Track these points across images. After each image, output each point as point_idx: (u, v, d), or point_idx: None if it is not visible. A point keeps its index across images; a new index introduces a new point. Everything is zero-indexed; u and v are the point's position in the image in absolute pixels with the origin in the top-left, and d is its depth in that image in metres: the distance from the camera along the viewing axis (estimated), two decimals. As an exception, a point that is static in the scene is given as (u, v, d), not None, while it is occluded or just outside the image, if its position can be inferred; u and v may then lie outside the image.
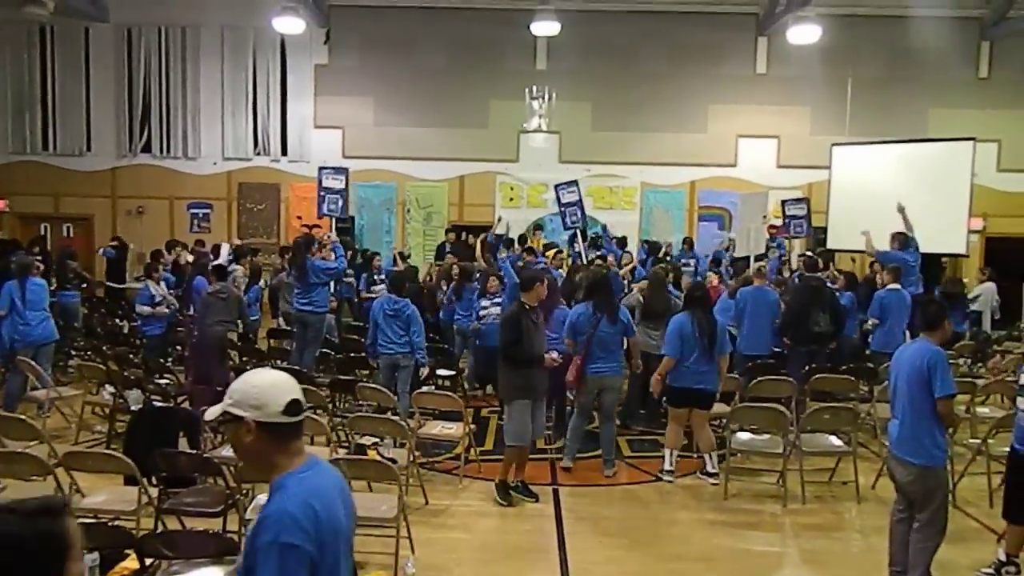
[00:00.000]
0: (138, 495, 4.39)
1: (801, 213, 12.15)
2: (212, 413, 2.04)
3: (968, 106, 14.03)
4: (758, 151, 14.68)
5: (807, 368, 7.40)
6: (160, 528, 4.40)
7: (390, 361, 7.04)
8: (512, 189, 14.94)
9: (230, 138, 14.92)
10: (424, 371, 7.22)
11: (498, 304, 8.19)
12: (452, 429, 6.38)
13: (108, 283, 12.95)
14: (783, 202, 12.52)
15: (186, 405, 6.78)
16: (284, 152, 14.96)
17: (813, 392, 7.11)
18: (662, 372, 6.31)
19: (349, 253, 10.81)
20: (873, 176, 12.07)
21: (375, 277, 10.61)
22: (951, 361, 5.25)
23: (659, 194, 14.92)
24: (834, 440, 6.21)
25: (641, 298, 7.71)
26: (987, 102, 14.14)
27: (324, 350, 8.70)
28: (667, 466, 6.32)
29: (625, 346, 6.51)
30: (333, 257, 8.83)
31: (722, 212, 14.69)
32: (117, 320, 10.91)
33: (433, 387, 7.39)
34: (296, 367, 7.62)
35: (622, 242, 12.93)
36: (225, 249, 11.19)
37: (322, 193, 10.51)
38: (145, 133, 14.99)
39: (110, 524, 4.05)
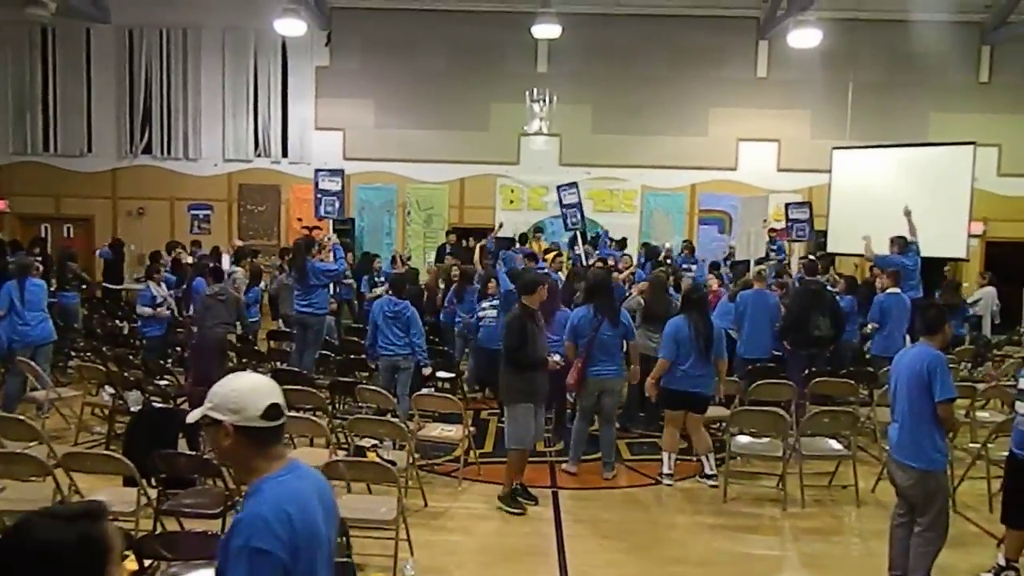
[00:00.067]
0: (137, 496, 4.39)
1: (804, 216, 12.17)
2: (193, 416, 2.05)
3: (969, 110, 14.04)
4: (759, 154, 14.70)
5: (807, 372, 7.40)
6: (159, 529, 4.39)
7: (390, 363, 7.04)
8: (512, 192, 14.95)
9: (231, 139, 14.94)
10: (427, 371, 7.22)
11: (495, 307, 8.21)
12: (452, 431, 6.37)
13: (105, 284, 12.94)
14: (787, 205, 12.54)
15: (186, 406, 6.76)
16: (285, 154, 14.97)
17: (813, 396, 7.10)
18: (656, 375, 6.31)
19: (349, 255, 10.82)
20: (874, 180, 12.08)
21: (376, 279, 10.63)
22: (951, 365, 5.25)
23: (659, 197, 14.93)
24: (834, 444, 6.21)
25: (642, 301, 7.71)
26: (988, 106, 14.15)
27: (324, 352, 8.69)
28: (666, 469, 6.31)
29: (624, 349, 6.51)
30: (333, 259, 8.84)
31: (722, 215, 14.67)
32: (117, 321, 10.91)
33: (433, 389, 7.38)
34: (296, 369, 7.63)
35: (622, 243, 12.95)
36: (226, 260, 11.14)
37: (319, 195, 10.50)
38: (146, 134, 15.01)
39: (109, 525, 4.04)
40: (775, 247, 12.30)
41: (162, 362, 8.46)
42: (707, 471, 6.28)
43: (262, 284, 10.34)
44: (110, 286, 12.93)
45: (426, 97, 14.70)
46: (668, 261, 11.60)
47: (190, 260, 11.34)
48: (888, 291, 8.10)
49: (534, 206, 14.87)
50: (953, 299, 9.29)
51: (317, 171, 10.75)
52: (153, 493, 4.54)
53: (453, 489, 6.06)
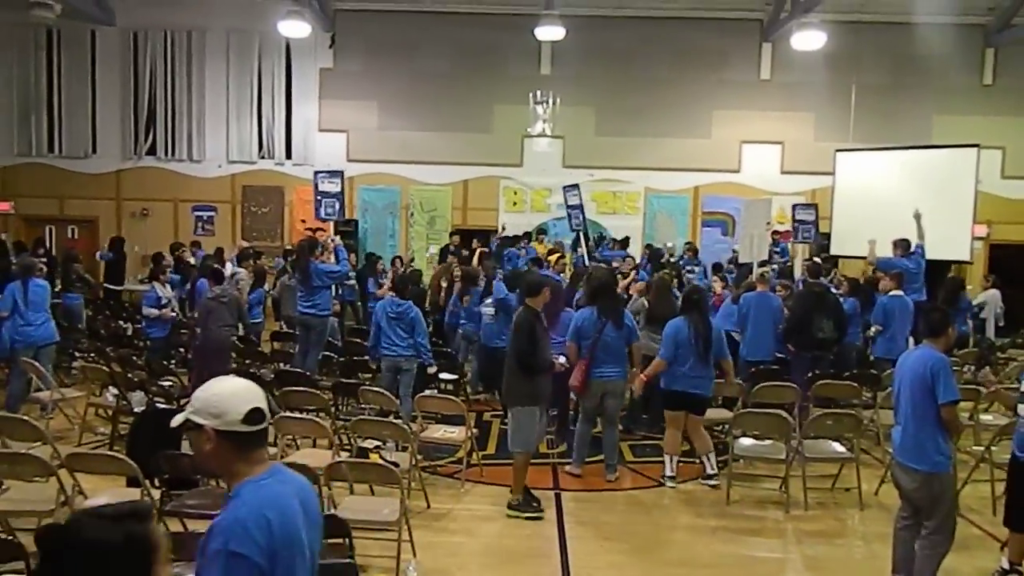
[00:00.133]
0: (140, 497, 4.40)
1: (810, 218, 12.18)
2: (176, 420, 2.05)
3: (972, 113, 14.01)
4: (762, 157, 14.68)
5: (810, 374, 7.39)
6: (162, 530, 4.40)
7: (392, 364, 7.04)
8: (516, 193, 14.95)
9: (235, 141, 14.97)
10: (432, 369, 7.22)
11: (491, 306, 8.25)
12: (454, 433, 6.37)
13: (106, 285, 12.95)
14: (794, 206, 12.55)
15: (189, 407, 6.77)
16: (288, 155, 14.99)
17: (816, 398, 7.10)
18: (650, 374, 6.31)
19: (352, 256, 10.83)
20: (877, 182, 12.07)
21: (380, 280, 10.65)
22: (954, 368, 5.24)
23: (663, 199, 14.92)
24: (837, 446, 6.20)
25: (645, 303, 7.70)
26: (991, 109, 14.12)
27: (327, 353, 8.70)
28: (668, 472, 6.31)
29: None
30: (335, 260, 8.85)
31: (726, 218, 14.69)
32: (120, 322, 10.93)
33: (436, 391, 7.39)
34: (299, 370, 7.64)
35: (624, 243, 12.97)
36: (229, 268, 11.12)
37: (318, 197, 10.50)
38: (150, 136, 15.03)
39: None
40: (778, 249, 12.30)
41: (165, 363, 8.46)
42: (708, 470, 6.28)
43: (267, 285, 10.35)
44: (111, 287, 12.94)
45: (429, 99, 14.71)
46: (671, 260, 11.62)
47: (192, 261, 11.35)
48: (891, 293, 8.09)
49: (537, 208, 14.88)
50: (952, 296, 9.21)
51: (316, 173, 10.75)
52: (156, 494, 4.56)
53: (456, 491, 6.06)
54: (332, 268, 8.74)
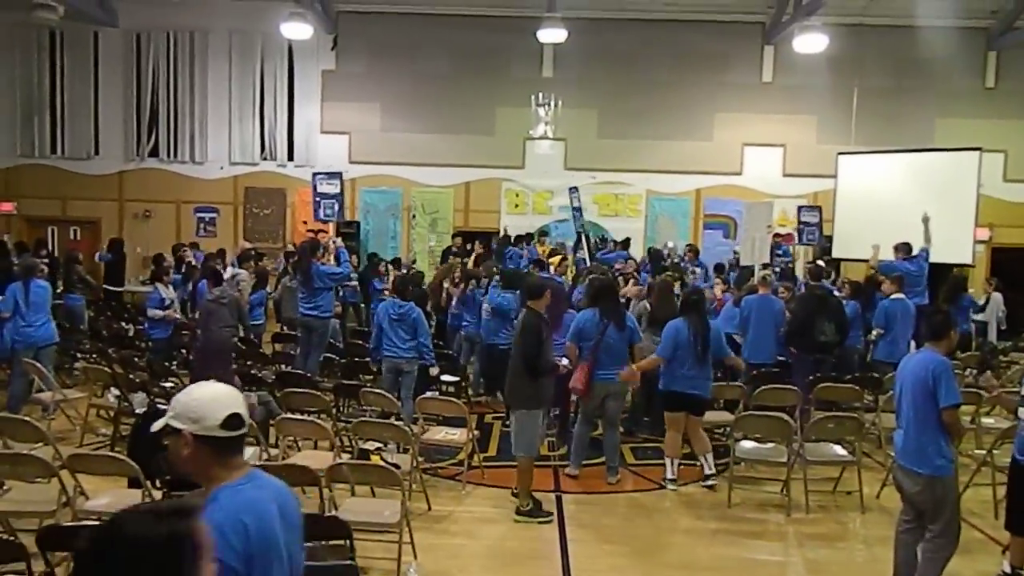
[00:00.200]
0: (142, 498, 4.41)
1: (814, 220, 12.18)
2: (156, 426, 2.06)
3: (974, 116, 14.01)
4: (764, 159, 14.67)
5: (812, 377, 7.39)
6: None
7: (393, 365, 7.04)
8: (517, 196, 14.95)
9: (237, 143, 14.99)
10: (434, 371, 7.22)
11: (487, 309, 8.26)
12: (456, 435, 6.37)
13: (105, 286, 12.96)
14: (799, 208, 12.55)
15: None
16: (291, 157, 15.00)
17: (818, 401, 7.09)
18: (644, 367, 6.30)
19: (354, 257, 10.83)
20: (879, 185, 12.05)
21: (383, 280, 10.67)
22: (956, 371, 5.23)
23: (664, 202, 14.92)
24: (838, 449, 6.19)
25: (648, 306, 7.70)
26: (993, 112, 14.12)
27: (328, 355, 8.71)
28: (669, 475, 6.30)
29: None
30: (337, 262, 8.85)
31: (727, 220, 14.68)
32: (122, 323, 10.93)
33: (437, 393, 7.39)
34: (300, 371, 7.64)
35: (625, 243, 12.98)
36: (229, 270, 11.12)
37: (317, 199, 10.51)
38: (153, 137, 15.06)
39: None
40: (780, 252, 12.29)
41: (167, 364, 8.47)
42: (706, 470, 6.28)
43: (268, 287, 10.35)
44: (111, 288, 12.94)
45: (431, 101, 14.72)
46: (672, 260, 11.62)
47: (192, 261, 11.36)
48: (893, 296, 8.09)
49: (539, 210, 14.88)
50: (953, 294, 9.18)
51: (315, 174, 10.76)
52: (158, 495, 4.55)
53: (457, 493, 6.06)
54: (333, 270, 8.74)
